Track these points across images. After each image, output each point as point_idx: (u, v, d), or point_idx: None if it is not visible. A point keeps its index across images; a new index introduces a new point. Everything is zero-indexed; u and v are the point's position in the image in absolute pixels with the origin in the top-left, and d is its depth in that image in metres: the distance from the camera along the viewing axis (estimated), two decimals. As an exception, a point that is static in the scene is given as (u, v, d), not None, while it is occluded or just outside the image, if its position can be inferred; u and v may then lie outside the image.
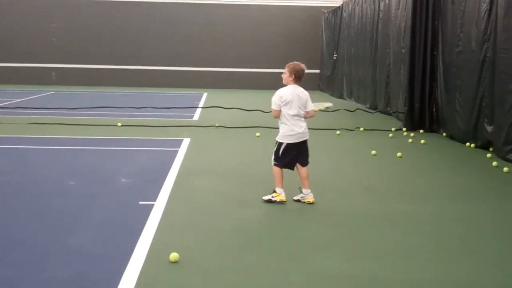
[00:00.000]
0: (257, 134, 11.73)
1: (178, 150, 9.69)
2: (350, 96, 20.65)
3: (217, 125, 12.95)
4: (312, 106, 6.56)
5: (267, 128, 12.07)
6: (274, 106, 6.48)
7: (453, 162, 9.63)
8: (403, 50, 13.99)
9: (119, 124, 12.65)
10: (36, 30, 25.91)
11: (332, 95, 23.15)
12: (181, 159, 8.90)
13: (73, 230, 5.35)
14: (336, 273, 4.42)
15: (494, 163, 8.94)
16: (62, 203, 6.29)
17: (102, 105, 15.97)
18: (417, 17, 13.11)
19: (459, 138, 11.32)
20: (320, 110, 6.88)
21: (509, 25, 9.36)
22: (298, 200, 6.51)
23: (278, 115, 6.48)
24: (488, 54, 10.19)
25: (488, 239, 5.42)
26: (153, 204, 6.22)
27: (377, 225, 5.75)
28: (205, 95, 22.36)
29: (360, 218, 5.96)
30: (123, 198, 6.56)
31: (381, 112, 16.21)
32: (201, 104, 18.43)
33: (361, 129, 12.88)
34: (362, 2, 18.84)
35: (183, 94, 23.05)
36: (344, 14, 21.72)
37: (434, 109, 12.93)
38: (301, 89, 6.51)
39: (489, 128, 10.11)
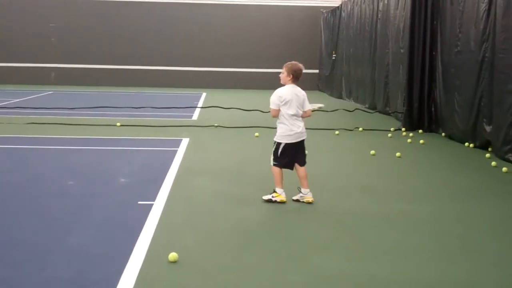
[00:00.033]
0: (256, 134, 11.73)
1: (177, 150, 9.69)
2: (349, 96, 20.66)
3: (216, 125, 12.95)
4: (309, 106, 6.58)
5: (266, 128, 12.07)
6: (273, 106, 6.49)
7: (452, 162, 9.64)
8: (402, 50, 13.99)
9: (118, 124, 12.65)
10: (35, 30, 25.87)
11: (331, 95, 23.16)
12: (180, 159, 8.90)
13: (72, 230, 5.35)
14: (335, 273, 4.42)
15: (493, 163, 8.95)
16: (61, 203, 6.29)
17: (101, 105, 15.98)
18: (416, 17, 13.11)
19: (458, 138, 11.33)
20: (313, 110, 6.89)
21: (507, 25, 9.37)
22: (297, 200, 6.51)
23: (276, 114, 6.49)
24: (487, 54, 10.20)
25: (487, 239, 5.43)
26: (152, 204, 6.22)
27: (376, 225, 5.75)
28: (204, 95, 22.36)
29: (359, 218, 5.97)
30: (122, 198, 6.56)
31: (380, 112, 16.22)
32: (200, 104, 18.43)
33: (360, 129, 12.89)
34: (361, 2, 18.85)
35: (182, 94, 23.04)
36: (343, 14, 21.73)
37: (433, 109, 12.94)
38: (299, 88, 6.53)
39: (488, 128, 10.12)
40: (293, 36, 26.37)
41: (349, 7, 20.66)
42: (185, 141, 10.66)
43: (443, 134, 12.19)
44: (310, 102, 6.68)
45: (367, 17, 18.01)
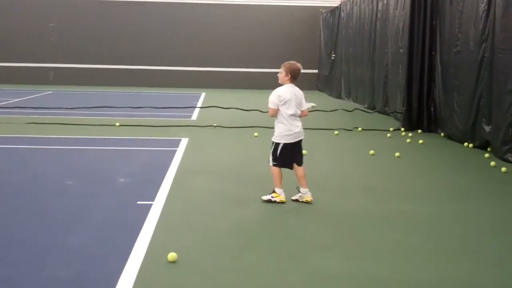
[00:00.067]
0: (255, 134, 11.73)
1: (176, 150, 9.69)
2: (348, 96, 20.67)
3: (215, 125, 12.95)
4: (306, 105, 6.59)
5: (265, 128, 12.07)
6: (272, 105, 6.48)
7: (451, 162, 9.65)
8: (401, 50, 14.00)
9: (117, 124, 12.64)
10: (34, 30, 25.85)
11: (330, 95, 23.17)
12: (179, 159, 8.90)
13: (72, 230, 5.36)
14: (335, 273, 4.43)
15: (492, 163, 8.96)
16: (61, 203, 6.29)
17: (100, 105, 15.98)
18: (415, 17, 13.12)
19: (457, 138, 11.33)
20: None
21: (507, 25, 9.38)
22: (296, 200, 6.51)
23: (275, 114, 6.49)
24: (486, 54, 10.20)
25: (487, 239, 5.43)
26: (151, 204, 6.22)
27: (376, 225, 5.76)
28: (203, 95, 22.36)
29: (359, 218, 5.97)
30: (121, 198, 6.56)
31: (379, 112, 16.23)
32: (199, 104, 18.43)
33: (359, 129, 12.89)
34: (360, 2, 18.85)
35: (181, 94, 23.04)
36: (342, 14, 21.73)
37: (432, 109, 12.94)
38: (297, 88, 6.54)
39: (487, 128, 10.12)
40: (293, 36, 26.36)
41: (348, 7, 20.66)
42: (184, 141, 10.66)
43: (442, 134, 12.20)
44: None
45: (367, 17, 18.02)
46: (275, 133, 6.54)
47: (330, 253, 4.88)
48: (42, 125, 12.35)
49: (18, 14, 25.91)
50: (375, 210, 6.30)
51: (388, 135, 12.18)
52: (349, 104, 19.23)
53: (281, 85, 6.54)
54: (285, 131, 6.45)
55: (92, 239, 5.13)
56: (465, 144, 10.82)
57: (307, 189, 6.49)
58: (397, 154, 9.70)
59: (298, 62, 6.56)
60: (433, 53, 12.81)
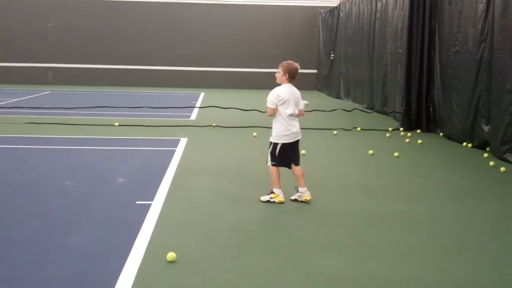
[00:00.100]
0: (254, 134, 11.74)
1: (175, 150, 9.69)
2: (347, 96, 20.68)
3: (214, 125, 12.95)
4: (303, 105, 6.60)
5: (264, 128, 12.07)
6: (270, 105, 6.48)
7: (450, 162, 9.66)
8: (400, 50, 14.01)
9: (117, 124, 12.64)
10: (34, 30, 25.84)
11: (329, 95, 23.18)
12: (178, 159, 8.90)
13: (71, 230, 5.36)
14: (335, 273, 4.43)
15: (491, 163, 8.97)
16: (60, 203, 6.30)
17: (99, 105, 15.98)
18: (414, 17, 13.13)
19: (456, 138, 11.34)
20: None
21: (506, 25, 9.39)
22: (295, 200, 6.51)
23: (273, 113, 6.49)
24: (485, 54, 10.21)
25: (486, 238, 5.44)
26: (150, 204, 6.22)
27: (375, 225, 5.76)
28: (202, 95, 22.36)
29: (358, 218, 5.98)
30: (120, 198, 6.57)
31: (378, 112, 16.24)
32: (198, 103, 18.43)
33: (358, 129, 12.90)
34: (359, 2, 18.87)
35: (181, 93, 23.03)
36: (341, 14, 21.75)
37: (431, 109, 12.96)
38: (295, 88, 6.55)
39: (486, 128, 10.14)
40: (292, 36, 26.37)
41: (347, 7, 20.67)
42: (183, 141, 10.66)
43: (441, 134, 12.21)
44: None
45: (365, 17, 18.03)
46: (273, 133, 6.55)
47: (329, 253, 4.88)
48: (41, 125, 12.34)
49: (18, 14, 25.90)
50: (374, 210, 6.30)
51: (387, 135, 12.19)
52: (348, 104, 19.23)
53: (279, 84, 6.55)
54: (283, 131, 6.46)
55: (92, 239, 5.13)
56: (464, 144, 10.83)
57: (305, 188, 6.49)
58: (396, 154, 9.71)
59: (297, 62, 6.56)
60: (432, 53, 12.82)
